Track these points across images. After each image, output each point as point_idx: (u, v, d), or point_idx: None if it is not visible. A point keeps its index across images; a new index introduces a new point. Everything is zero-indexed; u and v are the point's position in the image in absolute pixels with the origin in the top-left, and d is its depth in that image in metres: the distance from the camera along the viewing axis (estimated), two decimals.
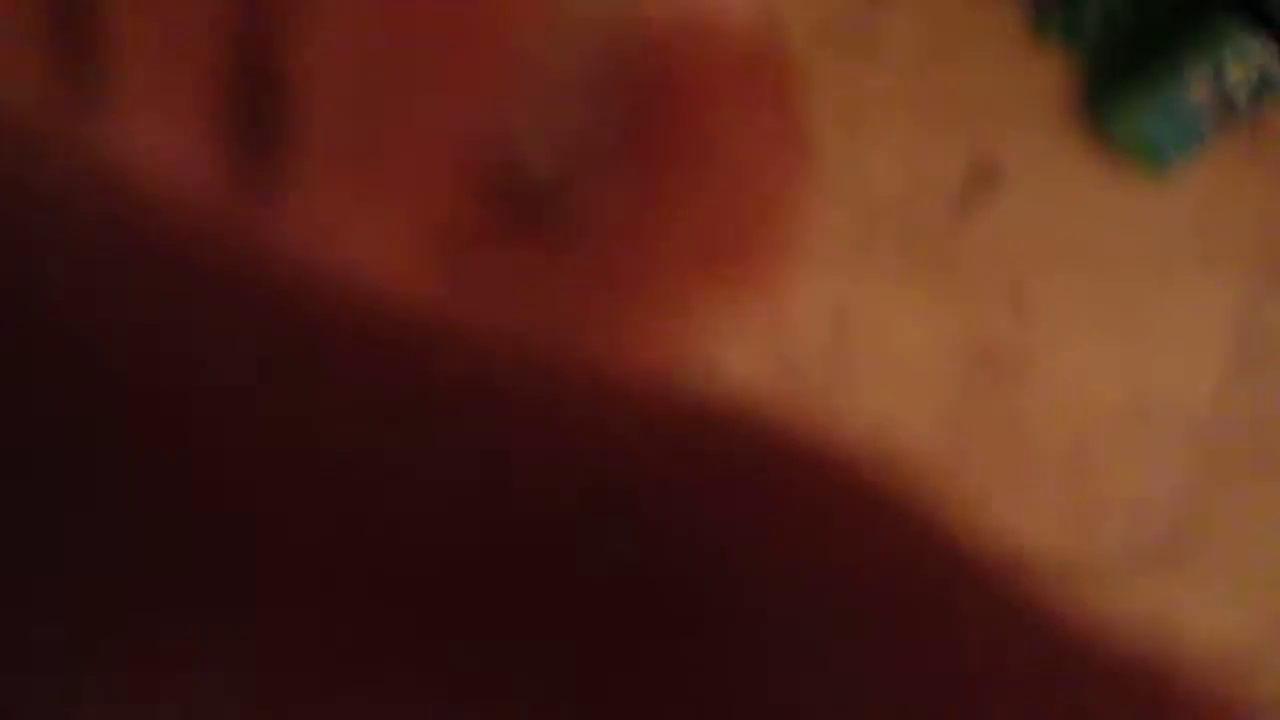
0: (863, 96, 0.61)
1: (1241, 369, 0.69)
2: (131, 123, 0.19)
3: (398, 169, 0.20)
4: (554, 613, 0.11)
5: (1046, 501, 0.66)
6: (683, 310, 0.22)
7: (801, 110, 0.20)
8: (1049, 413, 0.66)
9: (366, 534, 0.11)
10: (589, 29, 0.22)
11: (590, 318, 0.21)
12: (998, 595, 0.13)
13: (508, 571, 0.11)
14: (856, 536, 0.13)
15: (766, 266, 0.20)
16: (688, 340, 0.21)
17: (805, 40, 0.58)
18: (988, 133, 0.63)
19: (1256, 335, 0.68)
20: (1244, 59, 0.61)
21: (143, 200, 0.13)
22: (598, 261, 0.21)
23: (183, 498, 0.11)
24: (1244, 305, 0.69)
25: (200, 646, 0.11)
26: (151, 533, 0.12)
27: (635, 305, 0.21)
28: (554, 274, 0.19)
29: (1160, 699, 0.16)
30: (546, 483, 0.12)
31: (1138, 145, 0.62)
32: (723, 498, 0.12)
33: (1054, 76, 0.63)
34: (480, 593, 0.11)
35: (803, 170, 0.21)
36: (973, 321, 0.64)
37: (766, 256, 0.21)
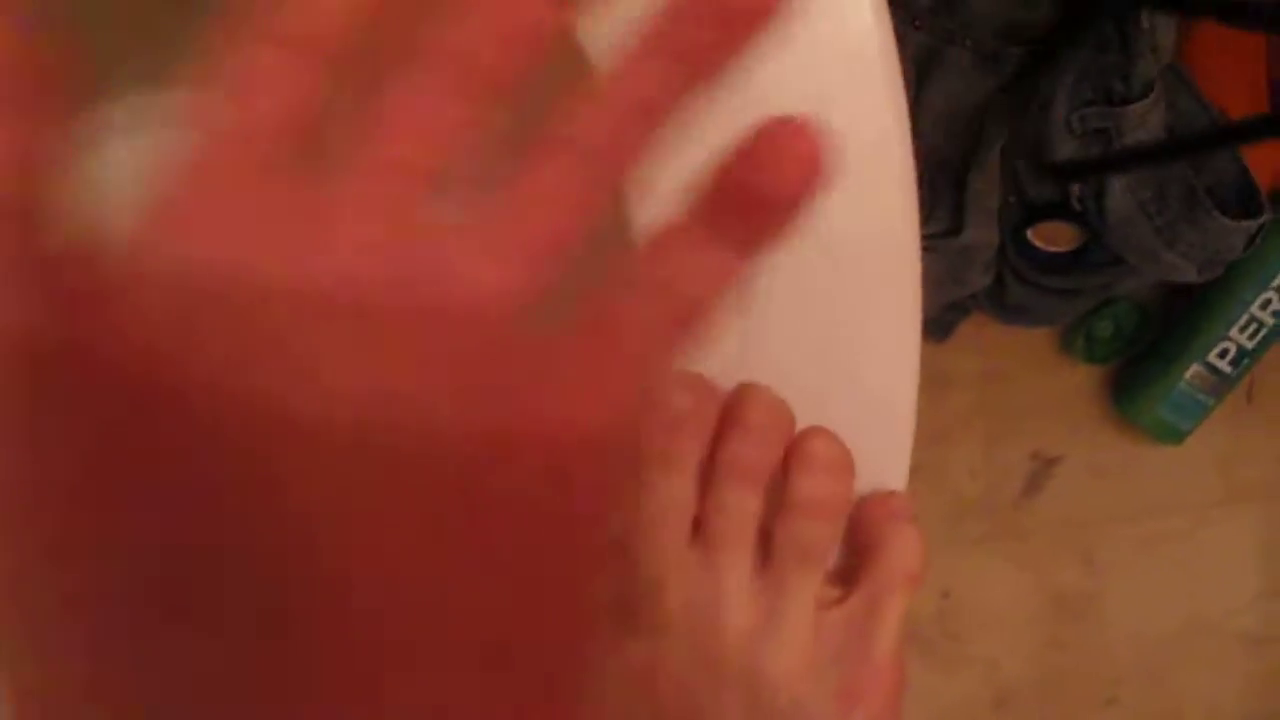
0: (940, 418, 0.80)
1: (1274, 583, 0.85)
2: None
3: None
4: None
5: (1131, 715, 0.82)
6: None
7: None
8: (1124, 639, 0.83)
9: None
10: None
11: None
12: None
13: None
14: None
15: None
16: None
17: None
18: (1042, 430, 0.81)
19: None
20: (1225, 345, 0.80)
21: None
22: None
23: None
24: (1267, 527, 0.86)
25: None
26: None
27: None
28: None
29: None
30: None
31: (1158, 427, 0.81)
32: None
33: (1086, 382, 0.82)
34: None
35: None
36: (1050, 577, 0.82)
37: None
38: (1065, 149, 0.72)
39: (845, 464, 0.31)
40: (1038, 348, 0.82)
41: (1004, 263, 0.75)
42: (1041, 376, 0.82)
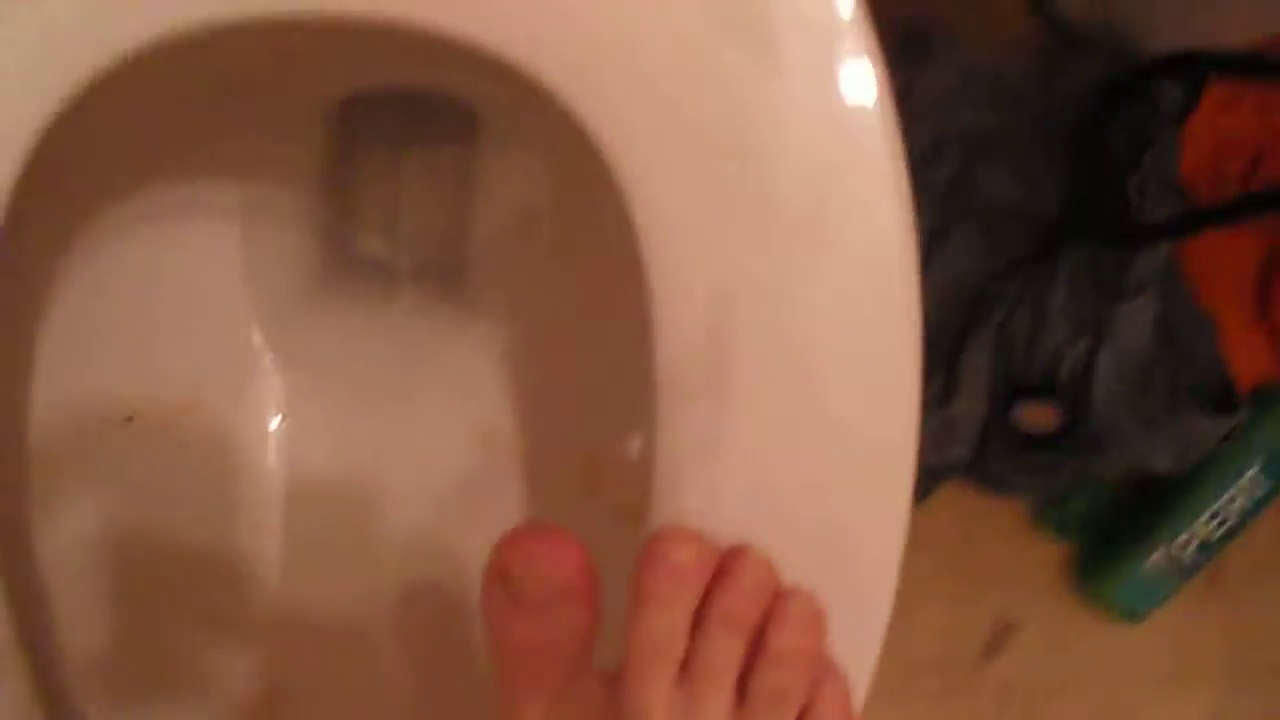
0: (910, 575, 0.81)
1: None
2: None
3: None
4: None
5: None
6: None
7: None
8: None
9: None
10: None
11: None
12: None
13: None
14: None
15: None
16: None
17: None
18: (1006, 596, 0.83)
19: None
20: (1190, 535, 0.82)
21: None
22: None
23: None
24: (1213, 709, 0.88)
25: None
26: None
27: None
28: None
29: None
30: None
31: (1117, 606, 0.82)
32: None
33: (1054, 553, 0.84)
34: None
35: None
36: None
37: None
38: (1058, 334, 0.74)
39: (819, 621, 0.36)
40: (1010, 517, 0.84)
41: (986, 435, 0.76)
42: (1011, 544, 0.83)
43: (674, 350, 0.37)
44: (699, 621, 0.34)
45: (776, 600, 0.35)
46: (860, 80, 0.37)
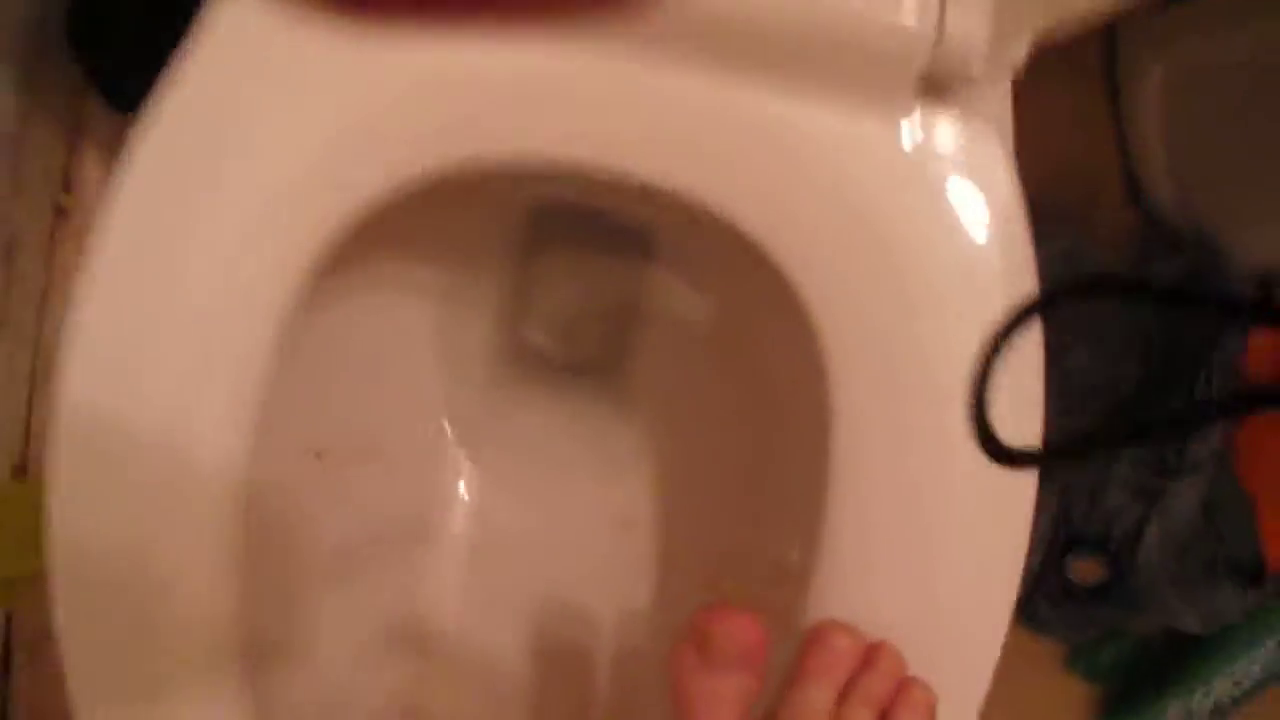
0: None
1: None
2: None
3: None
4: None
5: None
6: None
7: None
8: None
9: None
10: None
11: None
12: None
13: None
14: None
15: None
16: None
17: None
18: None
19: None
20: (1208, 695, 0.89)
21: None
22: None
23: None
24: None
25: None
26: None
27: None
28: None
29: None
30: None
31: None
32: None
33: (1082, 695, 0.91)
34: None
35: None
36: None
37: None
38: (1116, 498, 0.82)
39: (932, 708, 0.45)
40: (1046, 657, 0.91)
41: (1037, 580, 0.84)
42: (1045, 682, 0.91)
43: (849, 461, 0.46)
44: (843, 696, 0.44)
45: (903, 685, 0.45)
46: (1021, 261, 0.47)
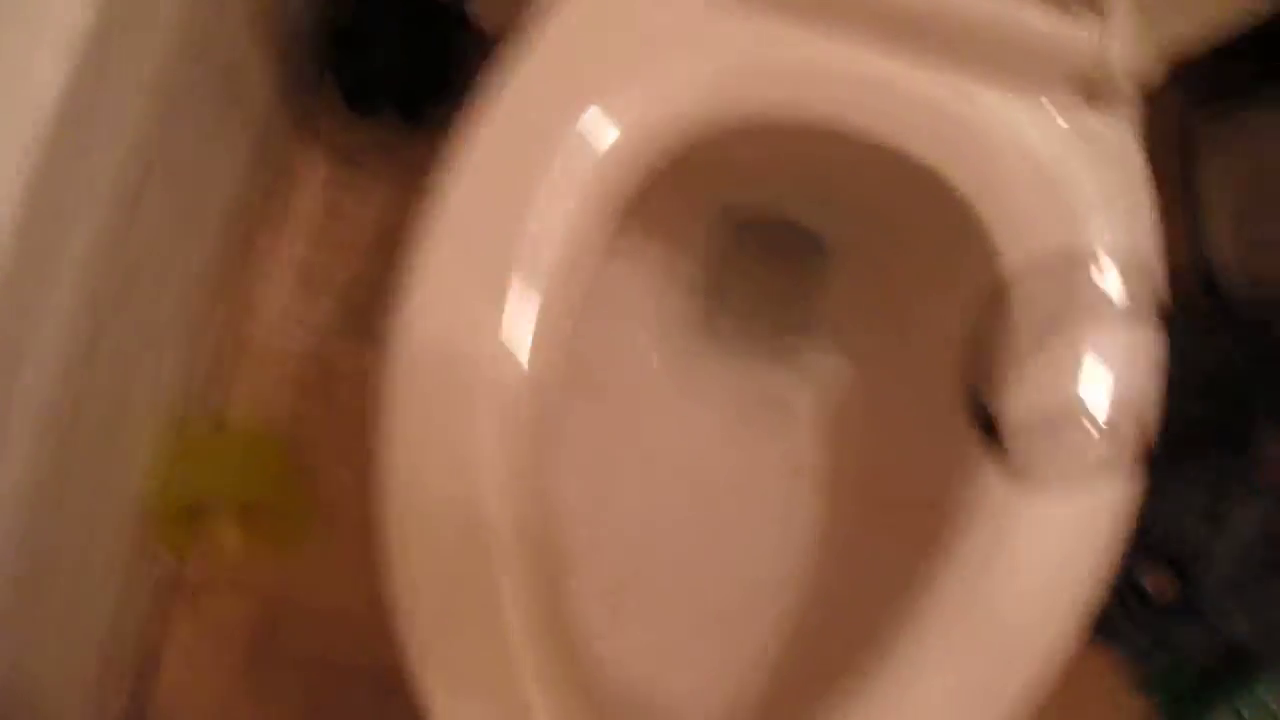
0: None
1: None
2: None
3: None
4: None
5: None
6: None
7: None
8: None
9: None
10: None
11: None
12: None
13: None
14: None
15: None
16: None
17: None
18: None
19: None
20: (1258, 710, 0.97)
21: None
22: None
23: None
24: None
25: None
26: None
27: None
28: None
29: None
30: None
31: None
32: None
33: (1140, 709, 0.99)
34: None
35: None
36: None
37: None
38: (1184, 518, 0.92)
39: None
40: (1105, 667, 1.00)
41: (1114, 592, 0.94)
42: (1104, 693, 0.99)
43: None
44: None
45: None
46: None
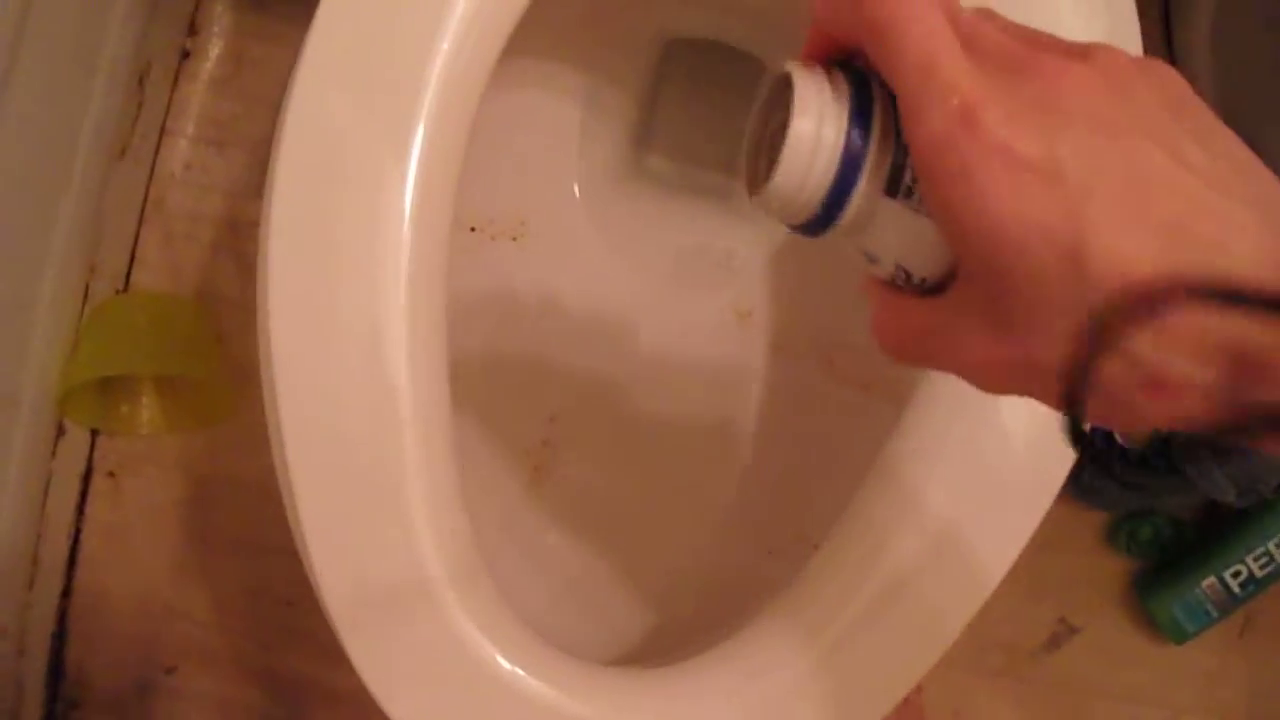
0: None
1: None
2: None
3: None
4: None
5: None
6: None
7: None
8: None
9: None
10: None
11: None
12: None
13: None
14: None
15: None
16: None
17: None
18: (1073, 600, 0.94)
19: None
20: (1241, 567, 0.94)
21: None
22: None
23: None
24: None
25: None
26: None
27: None
28: None
29: None
30: None
31: (1167, 624, 0.94)
32: None
33: (1122, 570, 0.95)
34: None
35: None
36: None
37: None
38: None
39: None
40: (1086, 533, 0.96)
41: (1088, 450, 0.89)
42: (1084, 557, 0.95)
43: None
44: None
45: None
46: None
